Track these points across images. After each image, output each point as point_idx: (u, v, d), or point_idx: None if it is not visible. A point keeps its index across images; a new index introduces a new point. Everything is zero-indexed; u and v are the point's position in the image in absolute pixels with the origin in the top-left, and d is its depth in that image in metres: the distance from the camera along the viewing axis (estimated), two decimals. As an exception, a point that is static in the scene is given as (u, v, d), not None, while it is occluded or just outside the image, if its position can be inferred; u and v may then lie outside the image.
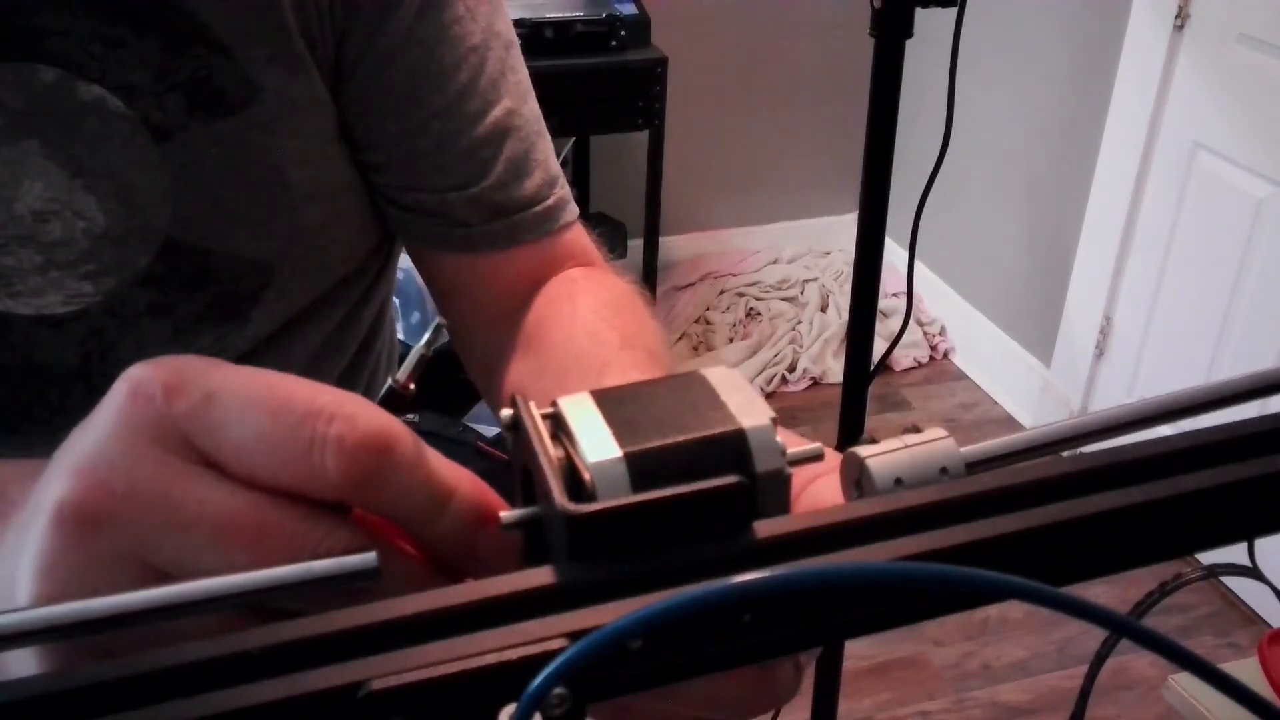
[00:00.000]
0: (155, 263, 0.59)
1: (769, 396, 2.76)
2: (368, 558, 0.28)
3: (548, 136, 0.70)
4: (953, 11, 1.24)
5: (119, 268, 0.59)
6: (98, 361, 0.61)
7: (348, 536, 0.30)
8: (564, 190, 0.69)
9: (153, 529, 0.28)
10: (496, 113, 0.65)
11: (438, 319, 0.68)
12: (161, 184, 0.58)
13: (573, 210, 0.70)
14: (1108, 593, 2.08)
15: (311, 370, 0.69)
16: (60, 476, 0.29)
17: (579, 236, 0.70)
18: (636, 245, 2.78)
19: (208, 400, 0.29)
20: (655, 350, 0.59)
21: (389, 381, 0.66)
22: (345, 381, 0.75)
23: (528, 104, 0.68)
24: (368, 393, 0.83)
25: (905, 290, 1.41)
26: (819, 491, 0.38)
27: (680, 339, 2.98)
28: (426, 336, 0.64)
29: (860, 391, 1.42)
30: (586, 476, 0.29)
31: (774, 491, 0.30)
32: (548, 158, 0.69)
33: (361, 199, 0.67)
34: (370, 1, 0.60)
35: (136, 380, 0.30)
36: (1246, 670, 1.14)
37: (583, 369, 0.57)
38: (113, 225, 0.58)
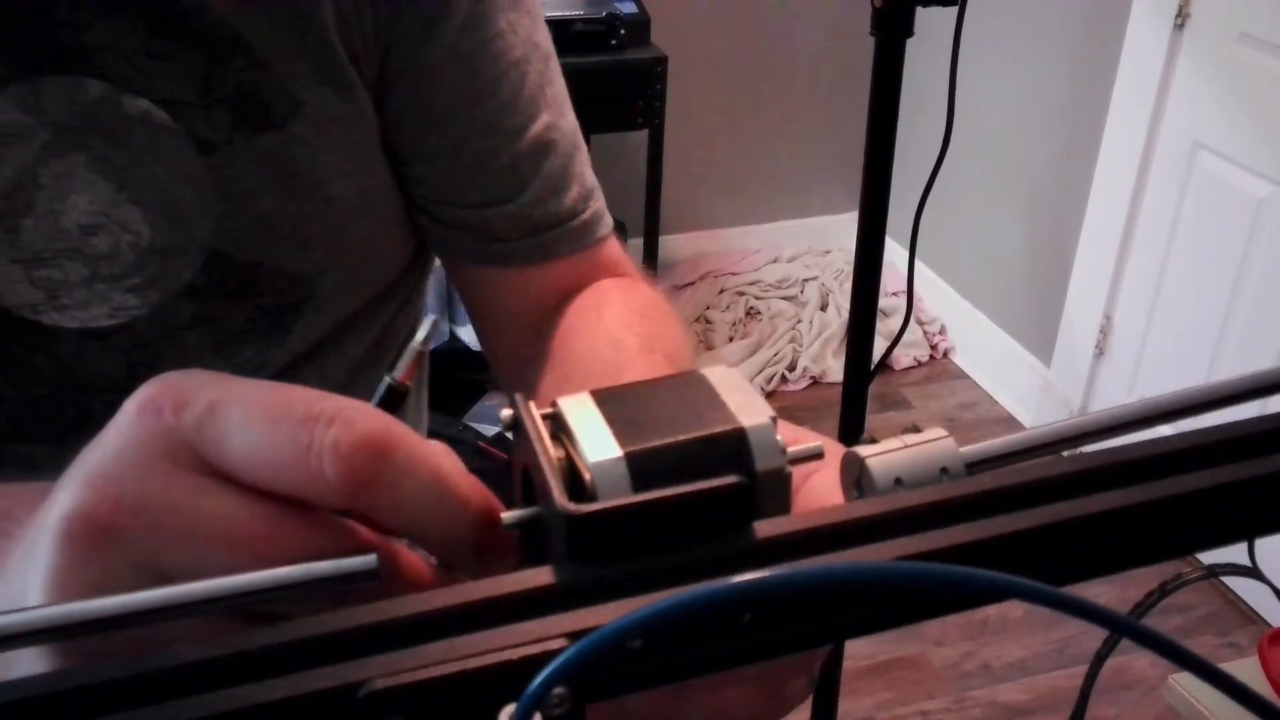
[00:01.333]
0: (199, 275, 0.60)
1: (769, 396, 2.76)
2: (368, 558, 0.28)
3: (584, 147, 0.70)
4: (953, 11, 1.24)
5: (164, 280, 0.60)
6: (142, 374, 0.62)
7: (355, 543, 0.30)
8: (599, 203, 0.69)
9: (163, 540, 0.28)
10: (536, 128, 0.65)
11: (433, 315, 0.68)
12: (206, 197, 0.59)
13: (608, 223, 0.70)
14: (1108, 593, 2.08)
15: (351, 383, 0.69)
16: (70, 490, 0.29)
17: (613, 248, 0.71)
18: (636, 244, 2.78)
19: (211, 411, 0.29)
20: (675, 354, 0.59)
21: (386, 379, 0.66)
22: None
23: (565, 117, 0.68)
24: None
25: (905, 289, 1.41)
26: (817, 487, 0.38)
27: (680, 338, 2.98)
28: (422, 333, 0.64)
29: (860, 391, 1.42)
30: (587, 476, 0.29)
31: (774, 491, 0.30)
32: (584, 170, 0.69)
33: (401, 213, 0.67)
34: (414, 18, 0.60)
35: (144, 396, 0.30)
36: (1246, 670, 1.14)
37: (600, 376, 0.57)
38: (158, 238, 0.59)
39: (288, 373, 0.65)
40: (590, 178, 0.69)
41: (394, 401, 0.41)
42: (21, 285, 0.58)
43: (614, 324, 0.62)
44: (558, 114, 0.67)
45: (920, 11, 1.23)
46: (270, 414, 0.29)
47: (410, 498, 0.30)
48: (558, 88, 0.68)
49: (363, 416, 0.29)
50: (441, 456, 0.31)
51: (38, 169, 0.56)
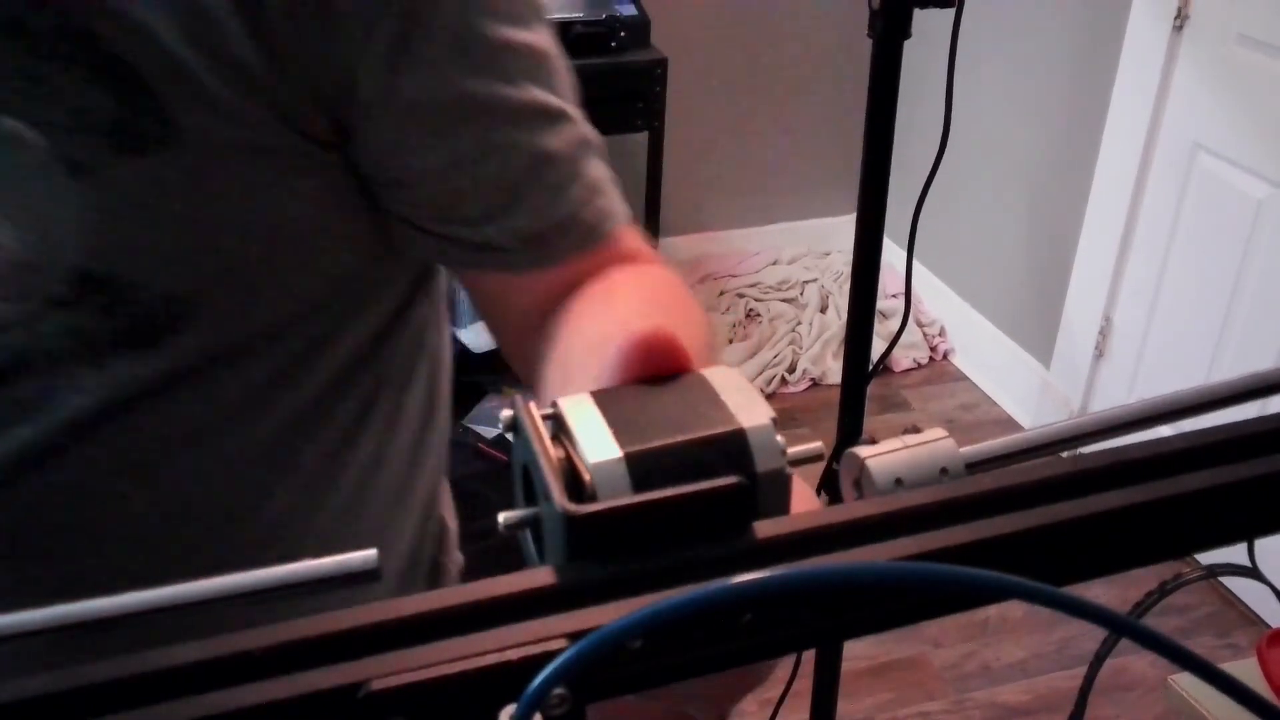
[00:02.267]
0: (69, 290, 0.60)
1: (769, 397, 2.76)
2: (368, 557, 0.28)
3: (593, 139, 0.68)
4: (950, 12, 1.24)
5: (32, 292, 0.60)
6: (11, 377, 0.62)
7: None
8: (607, 198, 0.68)
9: None
10: (534, 141, 0.64)
11: None
12: (76, 217, 0.58)
13: (618, 215, 0.68)
14: (1108, 593, 2.08)
15: (259, 401, 0.68)
16: None
17: (627, 239, 0.69)
18: (636, 246, 2.78)
19: None
20: (693, 343, 0.58)
21: None
22: (361, 416, 0.74)
23: (565, 118, 0.66)
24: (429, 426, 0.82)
25: (904, 291, 1.41)
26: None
27: (680, 340, 2.98)
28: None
29: (859, 392, 1.42)
30: (586, 477, 0.29)
31: (774, 491, 0.30)
32: (588, 167, 0.67)
33: (317, 237, 0.66)
34: (378, 47, 0.59)
35: None
36: (1246, 670, 1.14)
37: (603, 354, 0.56)
38: (26, 252, 0.59)
39: (172, 386, 0.64)
40: (594, 172, 0.67)
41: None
42: None
43: (626, 312, 0.61)
44: (557, 119, 0.65)
45: (917, 13, 1.23)
46: None
47: None
48: (557, 83, 0.66)
49: None
50: None
51: None
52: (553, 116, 0.65)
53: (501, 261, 0.66)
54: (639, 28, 2.51)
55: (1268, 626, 2.16)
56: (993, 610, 2.24)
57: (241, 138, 0.59)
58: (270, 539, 0.72)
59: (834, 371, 2.88)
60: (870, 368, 1.41)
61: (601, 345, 0.55)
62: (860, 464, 0.30)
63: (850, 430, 1.44)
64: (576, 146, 0.66)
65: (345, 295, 0.70)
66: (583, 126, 0.68)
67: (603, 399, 0.32)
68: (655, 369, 0.34)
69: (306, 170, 0.63)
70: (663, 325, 0.35)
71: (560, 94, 0.66)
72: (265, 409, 0.69)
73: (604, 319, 0.60)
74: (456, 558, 0.95)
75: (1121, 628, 0.25)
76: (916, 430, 0.31)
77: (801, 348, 2.94)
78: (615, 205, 0.69)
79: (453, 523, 0.94)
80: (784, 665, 1.59)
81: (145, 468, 0.66)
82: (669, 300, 0.64)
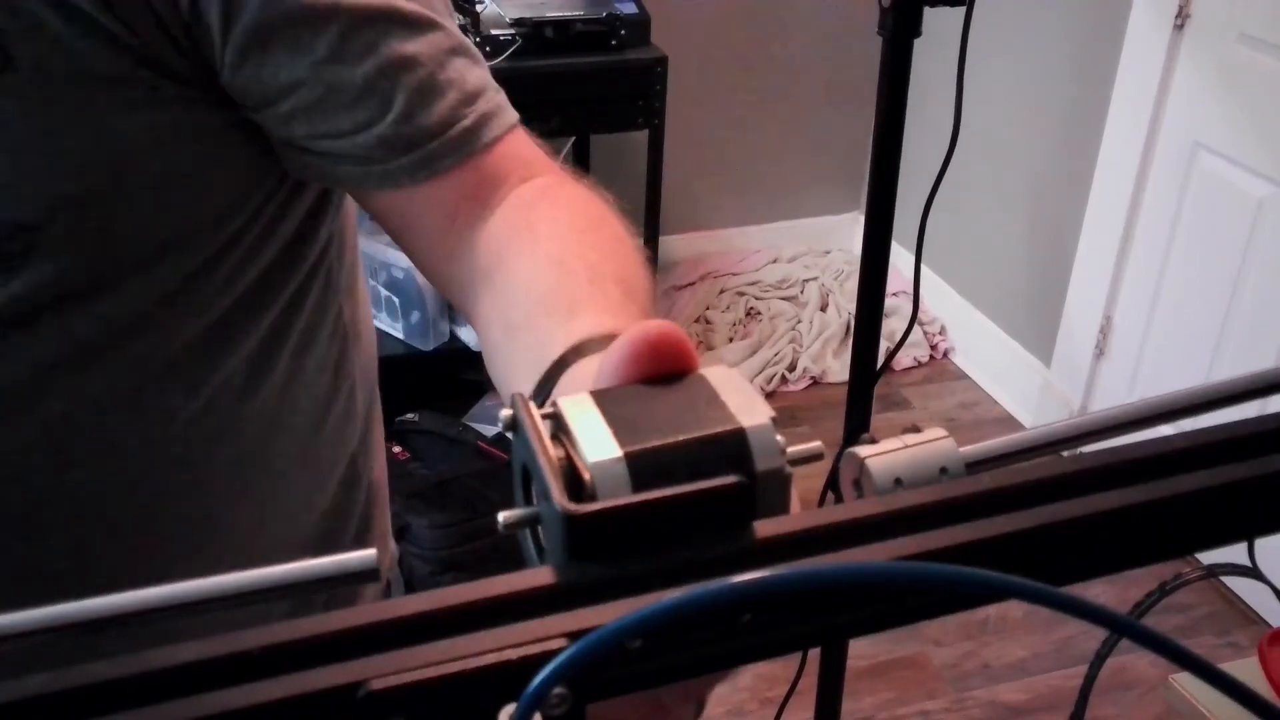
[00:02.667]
0: None
1: (769, 396, 2.76)
2: (368, 557, 0.28)
3: (469, 51, 0.67)
4: (954, 11, 1.24)
5: None
6: None
7: None
8: (488, 104, 0.67)
9: None
10: (389, 46, 0.64)
11: None
12: None
13: (502, 121, 0.67)
14: (1108, 593, 2.08)
15: (124, 340, 0.68)
16: None
17: (516, 147, 0.67)
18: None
19: None
20: (626, 279, 0.58)
21: None
22: (260, 356, 0.74)
23: (432, 24, 0.65)
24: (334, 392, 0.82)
25: (906, 290, 1.41)
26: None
27: (680, 338, 2.97)
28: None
29: (866, 392, 1.41)
30: (586, 476, 0.29)
31: (774, 491, 0.30)
32: (464, 75, 0.66)
33: (173, 170, 0.66)
34: None
35: None
36: (1246, 670, 1.14)
37: (550, 309, 0.55)
38: None
39: (32, 322, 0.65)
40: (474, 80, 0.67)
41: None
42: None
43: (553, 246, 0.60)
44: (418, 24, 0.65)
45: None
46: None
47: None
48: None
49: None
50: None
51: None
52: (412, 23, 0.65)
53: (385, 176, 0.65)
54: (639, 26, 2.51)
55: (1268, 626, 2.16)
56: (993, 610, 2.24)
57: (81, 69, 0.60)
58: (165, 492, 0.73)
59: (834, 370, 2.88)
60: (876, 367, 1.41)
61: (548, 300, 0.56)
62: (860, 464, 0.30)
63: (857, 429, 1.44)
64: (445, 52, 0.66)
65: (214, 231, 0.70)
66: (454, 36, 0.67)
67: (602, 398, 0.32)
68: (664, 369, 0.34)
69: (158, 104, 0.63)
70: (671, 327, 0.35)
71: (427, 4, 0.66)
72: (134, 349, 0.69)
73: (536, 259, 0.60)
74: (386, 522, 0.94)
75: (1121, 628, 0.25)
76: (916, 430, 0.31)
77: (802, 346, 2.94)
78: (499, 111, 0.67)
79: (384, 487, 0.93)
80: (788, 664, 1.59)
81: (21, 399, 0.67)
82: (591, 225, 0.63)
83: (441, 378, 2.55)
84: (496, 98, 0.68)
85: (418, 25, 0.65)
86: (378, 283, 2.45)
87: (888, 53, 1.24)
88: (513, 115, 0.68)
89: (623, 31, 2.46)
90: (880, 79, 1.26)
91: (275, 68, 0.63)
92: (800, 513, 0.29)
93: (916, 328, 3.03)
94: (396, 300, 2.46)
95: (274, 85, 0.64)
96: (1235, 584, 2.25)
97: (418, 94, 0.64)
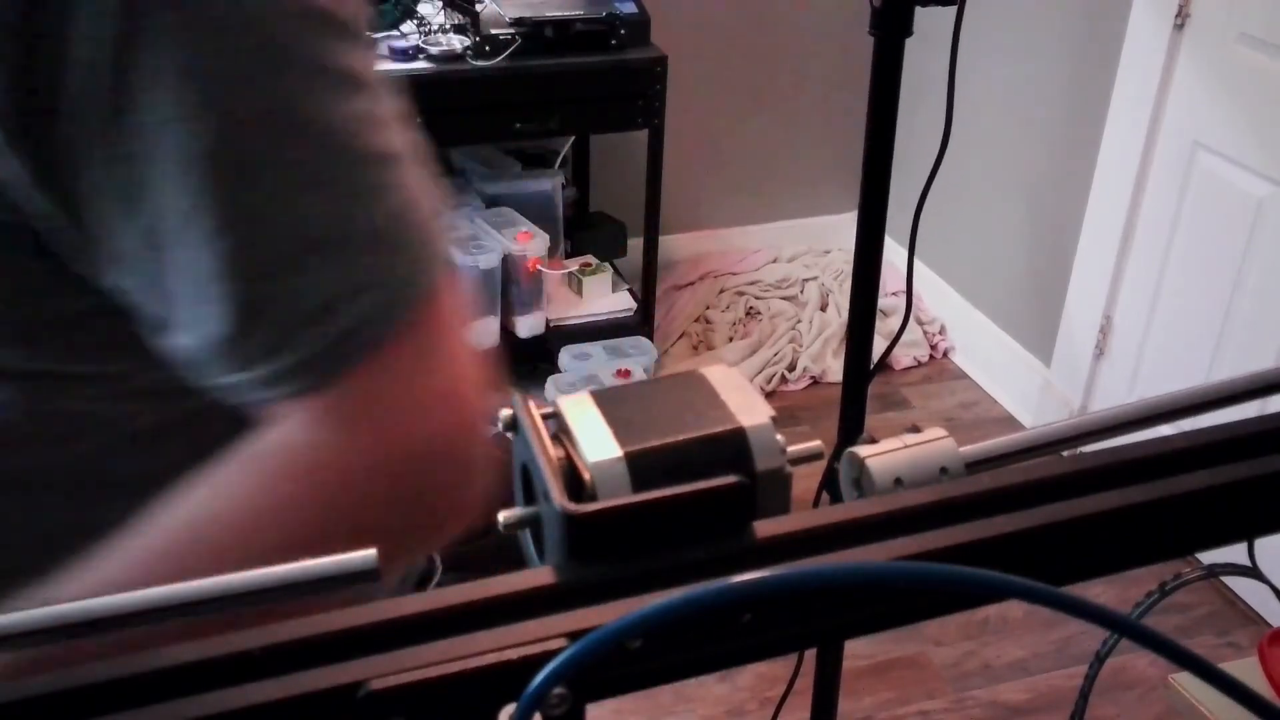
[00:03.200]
0: None
1: (769, 395, 2.76)
2: (368, 557, 0.28)
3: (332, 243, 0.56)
4: (951, 10, 1.24)
5: None
6: None
7: None
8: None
9: None
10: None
11: None
12: None
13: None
14: (1108, 593, 2.08)
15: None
16: None
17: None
18: (636, 244, 2.78)
19: None
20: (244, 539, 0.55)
21: None
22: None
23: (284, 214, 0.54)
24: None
25: (904, 289, 1.41)
26: None
27: (680, 338, 2.98)
28: None
29: (860, 391, 1.41)
30: (586, 476, 0.29)
31: (774, 491, 0.30)
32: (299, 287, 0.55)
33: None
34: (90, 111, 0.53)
35: None
36: (1246, 670, 1.14)
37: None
38: None
39: None
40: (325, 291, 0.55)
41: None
42: None
43: (184, 510, 0.57)
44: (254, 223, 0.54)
45: (919, 11, 1.23)
46: None
47: None
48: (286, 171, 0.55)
49: None
50: None
51: None
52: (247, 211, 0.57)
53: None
54: (639, 25, 2.51)
55: (1268, 626, 2.16)
56: (993, 610, 2.24)
57: None
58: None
59: (834, 369, 2.88)
60: (871, 366, 1.41)
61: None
62: (860, 463, 0.30)
63: (851, 429, 1.44)
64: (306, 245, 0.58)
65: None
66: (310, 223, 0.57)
67: (603, 398, 0.32)
68: None
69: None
70: None
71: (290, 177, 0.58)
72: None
73: (181, 502, 0.57)
74: None
75: (1121, 628, 0.25)
76: (916, 429, 0.31)
77: (802, 346, 2.94)
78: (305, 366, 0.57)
79: None
80: (789, 664, 1.59)
81: None
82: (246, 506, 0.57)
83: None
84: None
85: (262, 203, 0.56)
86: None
87: (879, 52, 1.24)
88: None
89: (622, 31, 2.46)
90: (871, 78, 1.26)
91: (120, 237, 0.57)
92: (800, 513, 0.29)
93: (916, 327, 3.03)
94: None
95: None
96: (1235, 584, 2.25)
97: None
